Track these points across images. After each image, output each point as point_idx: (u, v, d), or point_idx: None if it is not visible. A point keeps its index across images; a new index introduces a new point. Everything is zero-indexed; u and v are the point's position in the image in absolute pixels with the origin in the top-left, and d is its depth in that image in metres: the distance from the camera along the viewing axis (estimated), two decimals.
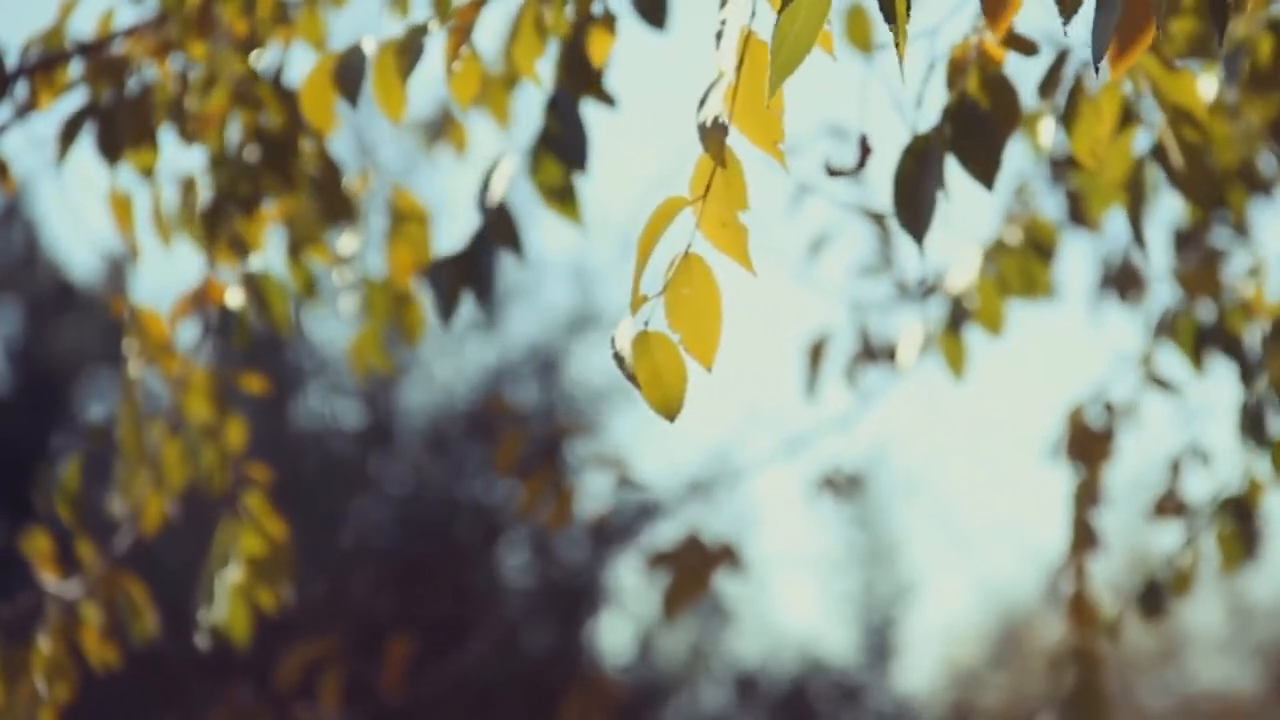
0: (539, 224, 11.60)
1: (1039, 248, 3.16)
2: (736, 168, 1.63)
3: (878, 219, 3.76)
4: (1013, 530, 21.82)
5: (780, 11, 1.54)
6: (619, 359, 1.64)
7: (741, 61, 1.62)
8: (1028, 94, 2.26)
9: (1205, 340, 3.27)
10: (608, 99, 2.46)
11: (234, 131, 2.81)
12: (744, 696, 12.93)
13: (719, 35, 1.65)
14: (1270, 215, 3.49)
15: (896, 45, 1.56)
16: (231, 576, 3.08)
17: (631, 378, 1.63)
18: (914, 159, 2.02)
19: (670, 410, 1.64)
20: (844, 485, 4.61)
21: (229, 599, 3.08)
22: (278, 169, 2.78)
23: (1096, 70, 1.58)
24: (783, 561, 17.28)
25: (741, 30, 1.62)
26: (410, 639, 4.26)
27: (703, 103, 1.66)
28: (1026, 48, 2.09)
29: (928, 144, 2.03)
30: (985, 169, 2.05)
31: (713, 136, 1.63)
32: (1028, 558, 18.88)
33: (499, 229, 2.54)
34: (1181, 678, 14.97)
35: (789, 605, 18.74)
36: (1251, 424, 3.03)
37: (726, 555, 3.73)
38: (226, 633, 3.10)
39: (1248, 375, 3.22)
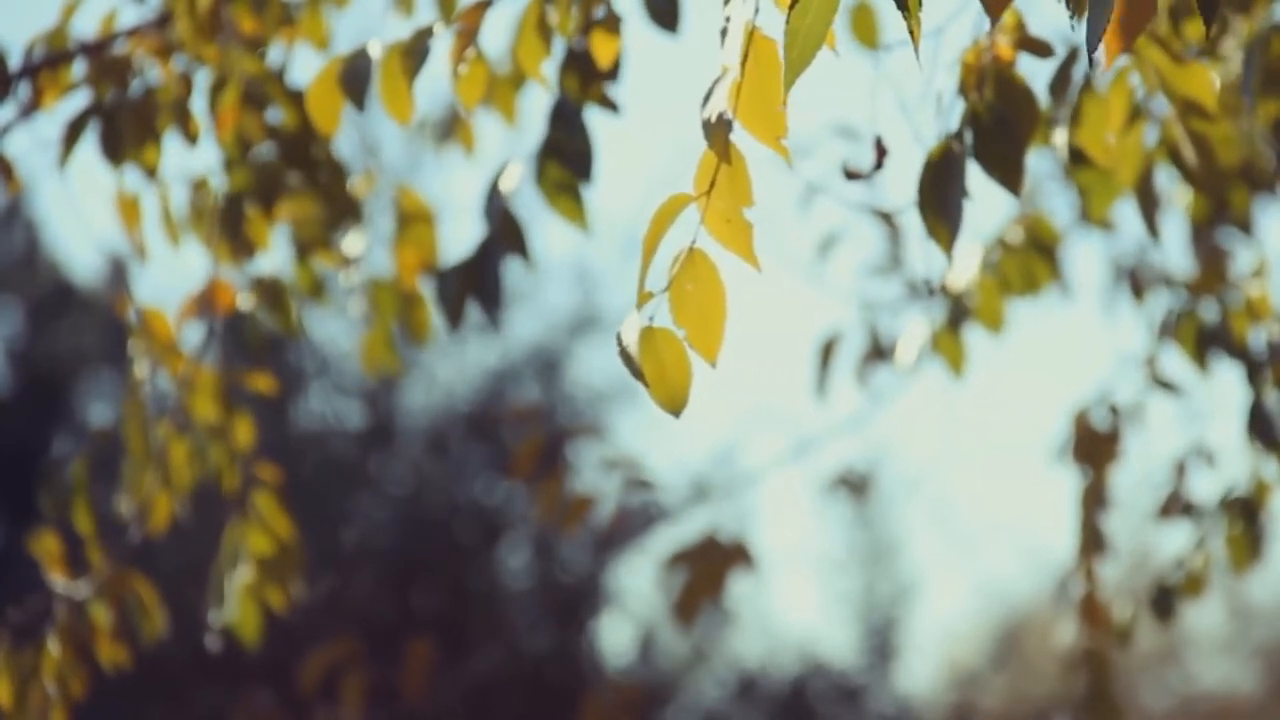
0: (541, 225, 11.59)
1: (1041, 246, 3.15)
2: (741, 164, 1.63)
3: (887, 219, 3.75)
4: (1014, 530, 21.83)
5: (790, 8, 1.54)
6: (625, 355, 1.63)
7: (746, 58, 1.62)
8: (1039, 95, 2.25)
9: (1209, 341, 3.26)
10: (611, 105, 2.44)
11: (246, 131, 2.80)
12: (744, 697, 12.91)
13: (723, 32, 1.65)
14: (1274, 215, 3.49)
15: (911, 34, 1.56)
16: (241, 576, 3.08)
17: (638, 374, 1.63)
18: (937, 167, 2.01)
19: (675, 406, 1.65)
20: (858, 484, 4.61)
21: (239, 599, 3.07)
22: (298, 165, 2.78)
23: (1091, 62, 1.57)
24: (783, 561, 17.26)
25: (746, 27, 1.62)
26: (421, 641, 4.26)
27: (707, 99, 1.66)
28: (1041, 49, 2.09)
29: (949, 152, 2.02)
30: (1010, 175, 2.04)
31: (717, 132, 1.63)
32: (1029, 558, 18.89)
33: (506, 237, 2.52)
34: (1182, 678, 14.96)
35: (789, 605, 18.75)
36: (1260, 426, 3.02)
37: (741, 554, 3.72)
38: (236, 633, 3.09)
39: (1254, 376, 3.21)
